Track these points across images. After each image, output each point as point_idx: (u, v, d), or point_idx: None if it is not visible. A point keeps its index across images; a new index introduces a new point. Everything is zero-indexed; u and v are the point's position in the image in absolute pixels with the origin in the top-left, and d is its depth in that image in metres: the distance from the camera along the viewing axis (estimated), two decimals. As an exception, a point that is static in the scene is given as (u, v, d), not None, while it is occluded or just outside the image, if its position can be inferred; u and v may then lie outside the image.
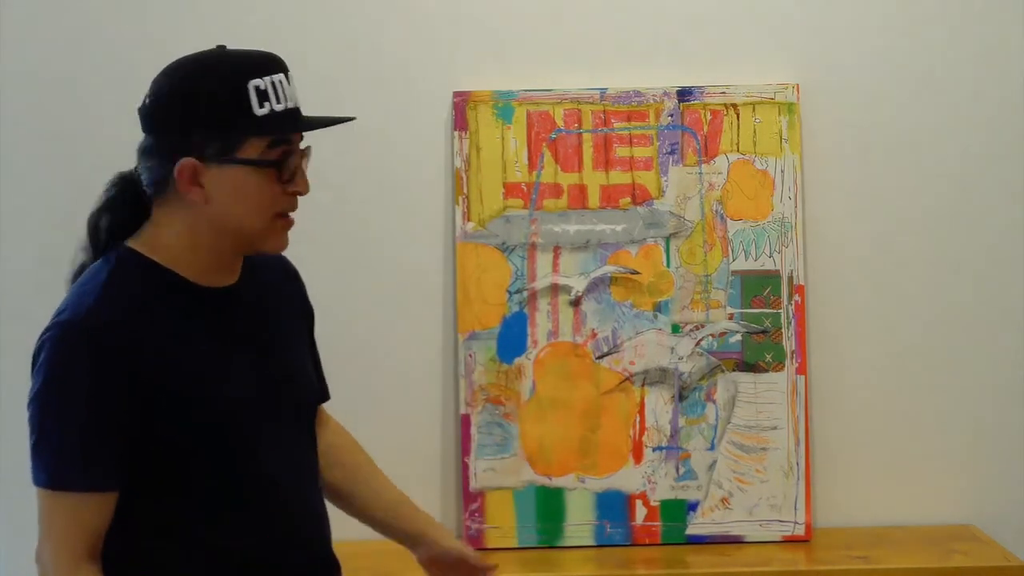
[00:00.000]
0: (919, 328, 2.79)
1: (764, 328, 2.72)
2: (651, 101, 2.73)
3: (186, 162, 1.79)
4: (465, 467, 2.71)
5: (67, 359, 1.79)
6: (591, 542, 2.70)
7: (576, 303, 2.72)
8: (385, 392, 2.76)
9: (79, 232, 1.92)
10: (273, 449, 1.92)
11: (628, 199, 2.73)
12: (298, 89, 1.87)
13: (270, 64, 1.85)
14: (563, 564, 2.62)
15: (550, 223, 2.72)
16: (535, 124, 2.72)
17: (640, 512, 2.71)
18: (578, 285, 2.72)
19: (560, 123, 2.72)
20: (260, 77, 1.82)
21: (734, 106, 2.73)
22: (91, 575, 1.78)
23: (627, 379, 2.72)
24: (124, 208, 1.88)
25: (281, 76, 1.84)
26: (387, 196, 2.76)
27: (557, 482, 2.71)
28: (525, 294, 2.72)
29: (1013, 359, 2.79)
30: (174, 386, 1.81)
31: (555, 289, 2.72)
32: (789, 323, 2.72)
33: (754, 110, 2.73)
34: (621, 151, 2.73)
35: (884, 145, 2.77)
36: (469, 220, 2.72)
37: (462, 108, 2.72)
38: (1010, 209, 2.78)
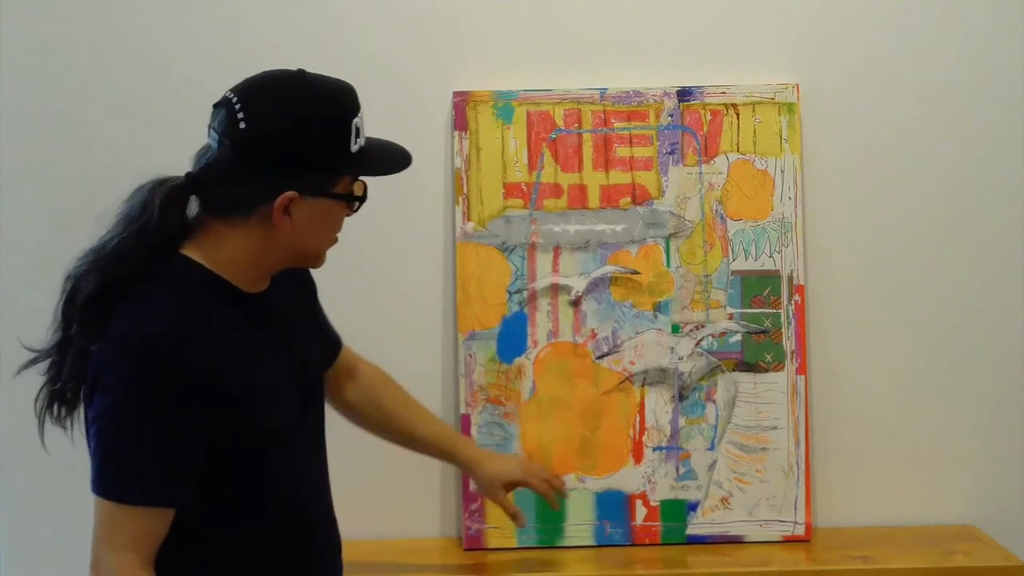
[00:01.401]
0: (919, 328, 2.79)
1: (764, 328, 2.72)
2: (651, 101, 2.73)
3: (288, 195, 1.84)
4: (465, 467, 2.71)
5: (141, 377, 1.80)
6: (591, 542, 2.70)
7: (576, 303, 2.72)
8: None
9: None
10: (304, 457, 2.00)
11: (628, 199, 2.73)
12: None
13: (356, 98, 1.93)
14: (563, 564, 2.62)
15: (550, 223, 2.72)
16: (535, 124, 2.72)
17: (640, 512, 2.71)
18: (578, 285, 2.72)
19: (560, 123, 2.72)
20: (357, 114, 1.90)
21: (734, 106, 2.73)
22: None
23: (627, 379, 2.72)
24: (175, 220, 1.89)
25: (362, 110, 1.92)
26: (387, 196, 2.74)
27: (557, 482, 2.71)
28: (525, 294, 2.72)
29: (1013, 359, 2.79)
30: (236, 398, 1.86)
31: (555, 289, 2.72)
32: (789, 323, 2.72)
33: (754, 110, 2.73)
34: (621, 151, 2.73)
35: (884, 145, 2.77)
36: (469, 220, 2.72)
37: (462, 108, 2.72)
38: (1010, 209, 2.78)
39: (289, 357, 1.98)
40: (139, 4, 2.76)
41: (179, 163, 2.81)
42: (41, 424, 1.94)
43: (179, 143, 2.77)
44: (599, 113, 2.72)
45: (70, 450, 2.84)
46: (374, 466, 2.65)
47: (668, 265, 2.73)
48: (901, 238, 2.78)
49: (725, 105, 2.73)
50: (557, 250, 2.72)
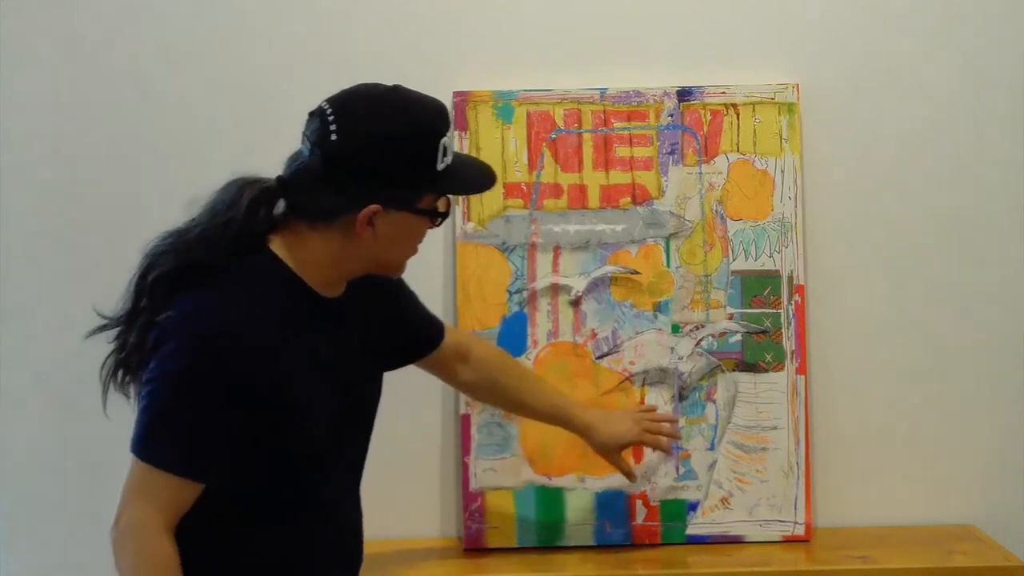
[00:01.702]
0: (919, 328, 2.79)
1: (764, 328, 2.72)
2: (651, 101, 2.73)
3: (372, 208, 1.90)
4: (465, 467, 2.71)
5: (205, 356, 1.86)
6: (591, 542, 2.70)
7: (576, 303, 2.72)
8: (385, 392, 2.75)
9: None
10: (339, 467, 2.07)
11: (628, 199, 2.73)
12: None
13: (447, 116, 1.97)
14: (563, 564, 2.62)
15: (550, 223, 2.72)
16: (535, 124, 2.72)
17: (640, 512, 2.71)
18: (578, 285, 2.72)
19: (560, 123, 2.72)
20: (446, 133, 1.94)
21: (734, 106, 2.73)
22: (171, 544, 1.88)
23: (627, 379, 2.72)
24: (261, 220, 1.96)
25: (452, 128, 1.98)
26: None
27: (557, 482, 2.71)
28: (525, 294, 2.72)
29: (1013, 359, 2.79)
30: (289, 396, 1.92)
31: (555, 289, 2.72)
32: (789, 323, 2.72)
33: (754, 110, 2.73)
34: (621, 151, 2.73)
35: (884, 145, 2.77)
36: (469, 220, 2.72)
37: (462, 108, 2.72)
38: (1010, 208, 2.78)
39: (346, 366, 2.04)
40: (139, 4, 2.76)
41: (180, 162, 2.82)
42: (105, 391, 2.00)
43: (180, 142, 2.79)
44: (599, 113, 2.72)
45: (70, 450, 2.85)
46: (374, 466, 2.64)
47: (668, 265, 2.73)
48: (901, 238, 2.78)
49: (725, 105, 2.73)
50: (557, 250, 2.72)
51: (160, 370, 1.87)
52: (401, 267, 2.05)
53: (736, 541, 2.70)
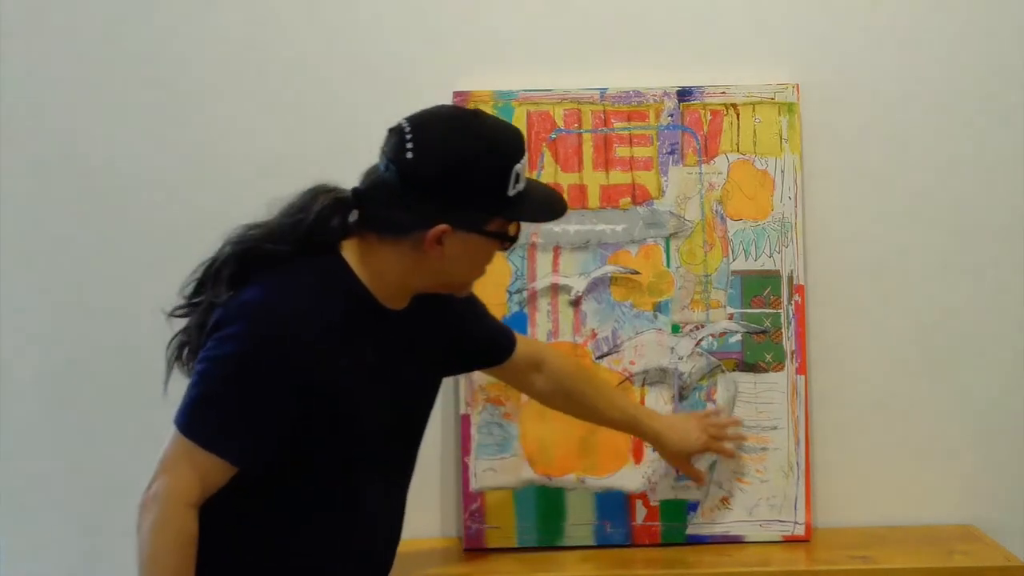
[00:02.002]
0: (919, 328, 2.79)
1: (764, 328, 2.72)
2: (651, 101, 2.73)
3: (441, 228, 1.96)
4: (465, 467, 2.71)
5: (262, 343, 1.92)
6: (591, 542, 2.70)
7: (576, 303, 2.72)
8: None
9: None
10: (381, 474, 2.10)
11: (628, 199, 2.73)
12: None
13: (522, 144, 2.02)
14: (563, 564, 2.62)
15: (550, 223, 2.72)
16: (535, 124, 2.72)
17: (640, 512, 2.71)
18: (578, 285, 2.72)
19: (560, 123, 2.72)
20: (520, 160, 1.99)
21: (734, 106, 2.73)
22: (193, 520, 1.93)
23: (627, 379, 2.72)
24: (331, 229, 2.01)
25: (525, 156, 2.02)
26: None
27: (557, 482, 2.71)
28: (525, 294, 2.72)
29: (1013, 359, 2.79)
30: (337, 400, 1.97)
31: (555, 289, 2.72)
32: (789, 323, 2.72)
33: (754, 110, 2.73)
34: (621, 151, 2.73)
35: (884, 145, 2.77)
36: (469, 220, 2.71)
37: (462, 108, 2.72)
38: (1010, 209, 2.78)
39: (399, 377, 2.08)
40: (140, 5, 2.76)
41: (179, 162, 2.82)
42: (169, 370, 2.07)
43: (178, 143, 2.79)
44: (599, 113, 2.72)
45: (69, 452, 2.84)
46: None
47: (668, 265, 2.73)
48: (901, 238, 2.78)
49: (725, 105, 2.73)
50: (557, 250, 2.72)
51: (216, 351, 1.93)
52: (466, 287, 2.12)
53: (736, 541, 2.70)
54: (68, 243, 2.80)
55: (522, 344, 2.45)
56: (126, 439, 2.78)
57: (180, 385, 2.04)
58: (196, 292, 2.05)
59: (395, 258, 2.01)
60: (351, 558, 2.08)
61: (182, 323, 2.08)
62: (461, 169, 1.95)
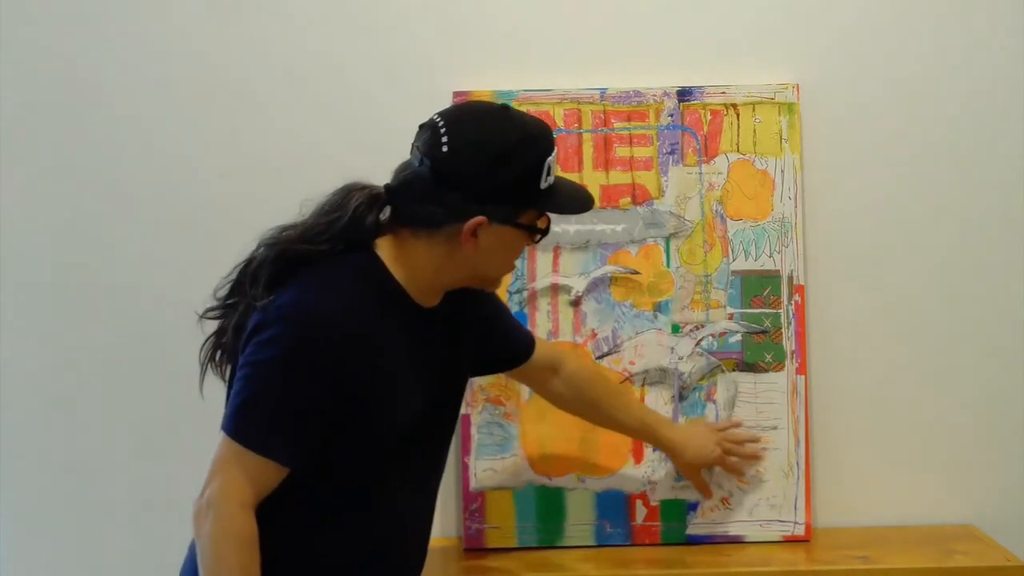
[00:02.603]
0: (919, 328, 2.79)
1: (764, 328, 2.72)
2: (651, 101, 2.73)
3: (478, 220, 1.99)
4: (465, 467, 2.71)
5: (304, 342, 1.94)
6: (591, 542, 2.70)
7: (576, 303, 2.72)
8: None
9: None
10: (415, 471, 2.13)
11: (628, 199, 2.73)
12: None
13: (552, 137, 2.05)
14: (563, 564, 2.62)
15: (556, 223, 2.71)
16: (535, 124, 2.72)
17: (640, 512, 2.71)
18: (578, 285, 2.72)
19: (560, 123, 2.72)
20: (551, 154, 2.03)
21: (734, 106, 2.73)
22: (250, 522, 1.94)
23: (627, 379, 2.72)
24: (366, 226, 2.03)
25: (555, 150, 2.05)
26: (387, 196, 2.75)
27: (557, 482, 2.71)
28: (525, 294, 2.72)
29: (1013, 359, 2.79)
30: (374, 396, 1.99)
31: (555, 289, 2.72)
32: (789, 323, 2.72)
33: (754, 110, 2.73)
34: (621, 151, 2.73)
35: (884, 145, 2.76)
36: (469, 220, 2.71)
37: (462, 108, 2.71)
38: (1010, 208, 2.77)
39: (432, 374, 2.11)
40: (140, 4, 2.77)
41: (179, 162, 2.82)
42: (203, 372, 2.10)
43: (181, 143, 2.79)
44: (599, 113, 2.72)
45: (68, 452, 2.85)
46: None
47: (668, 265, 2.73)
48: (901, 238, 2.78)
49: (725, 105, 2.73)
50: (557, 250, 2.72)
51: (257, 355, 1.95)
52: (498, 281, 2.14)
53: (736, 541, 2.70)
54: (68, 243, 2.80)
55: (542, 346, 2.48)
56: (126, 439, 2.78)
57: (215, 388, 2.07)
58: (231, 294, 2.07)
59: (429, 253, 2.03)
60: (381, 557, 2.10)
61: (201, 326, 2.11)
62: (496, 162, 1.98)
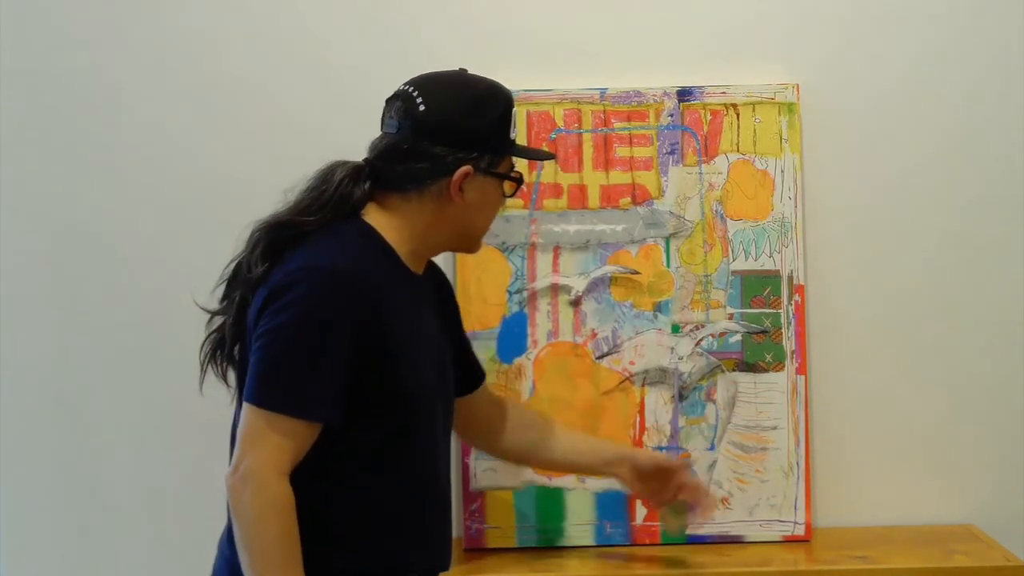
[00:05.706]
0: (919, 328, 2.79)
1: (764, 328, 2.72)
2: (651, 101, 2.73)
3: (465, 170, 2.06)
4: (465, 467, 2.71)
5: (324, 300, 1.96)
6: (591, 542, 2.70)
7: (576, 303, 2.72)
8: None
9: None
10: (437, 424, 2.14)
11: (628, 199, 2.73)
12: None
13: (509, 92, 2.16)
14: (563, 564, 2.62)
15: (550, 223, 2.72)
16: (535, 124, 2.72)
17: (640, 512, 2.71)
18: (578, 285, 2.72)
19: (560, 123, 2.72)
20: (514, 106, 2.14)
21: (734, 106, 2.73)
22: (288, 489, 1.95)
23: (627, 379, 2.72)
24: (352, 194, 2.08)
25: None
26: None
27: (557, 482, 2.71)
28: (525, 294, 2.72)
29: (1013, 359, 2.79)
30: (393, 346, 2.02)
31: (555, 289, 2.72)
32: (789, 323, 2.72)
33: (754, 110, 2.73)
34: (621, 151, 2.73)
35: (884, 145, 2.77)
36: (469, 220, 2.71)
37: (462, 108, 2.71)
38: (1010, 208, 2.78)
39: (433, 336, 2.15)
40: (142, 3, 2.77)
41: (180, 163, 2.82)
42: (203, 372, 2.12)
43: (181, 143, 2.80)
44: (599, 113, 2.72)
45: (68, 453, 2.85)
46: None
47: (668, 265, 2.73)
48: (901, 238, 2.78)
49: (725, 105, 2.73)
50: (557, 250, 2.72)
51: (274, 320, 1.96)
52: (479, 241, 2.20)
53: (736, 541, 2.70)
54: (68, 243, 2.80)
55: (490, 390, 2.47)
56: (127, 438, 2.78)
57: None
58: (227, 289, 2.10)
59: (419, 211, 2.09)
60: (422, 502, 2.11)
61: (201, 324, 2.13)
62: (472, 110, 2.08)
